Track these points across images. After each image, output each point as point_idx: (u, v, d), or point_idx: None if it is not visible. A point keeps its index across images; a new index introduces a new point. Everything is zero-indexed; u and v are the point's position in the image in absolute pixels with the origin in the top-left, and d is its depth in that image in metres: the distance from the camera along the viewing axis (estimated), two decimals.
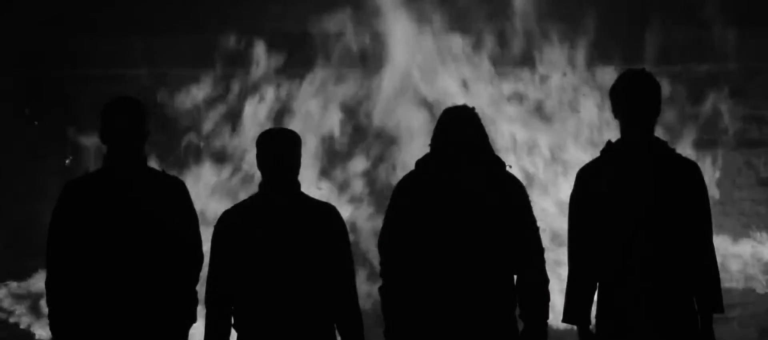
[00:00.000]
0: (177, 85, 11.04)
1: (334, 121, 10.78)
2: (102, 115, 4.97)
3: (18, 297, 10.42)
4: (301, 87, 10.82)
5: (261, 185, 4.92)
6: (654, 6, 10.94)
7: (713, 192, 10.95)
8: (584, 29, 10.86)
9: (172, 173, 5.23)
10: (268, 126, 9.35)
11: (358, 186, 10.57)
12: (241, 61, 10.85)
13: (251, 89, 10.88)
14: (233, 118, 10.89)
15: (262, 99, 10.85)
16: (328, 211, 4.94)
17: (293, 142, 4.93)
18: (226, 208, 5.02)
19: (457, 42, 10.74)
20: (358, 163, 10.69)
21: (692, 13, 10.93)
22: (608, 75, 10.57)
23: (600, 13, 10.82)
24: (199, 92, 10.95)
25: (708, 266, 4.88)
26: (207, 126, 10.93)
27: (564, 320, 4.98)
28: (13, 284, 10.58)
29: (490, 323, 4.85)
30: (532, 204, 4.98)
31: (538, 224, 4.98)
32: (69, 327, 4.88)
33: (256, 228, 4.83)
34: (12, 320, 10.03)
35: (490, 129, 5.05)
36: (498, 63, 10.90)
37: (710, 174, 11.07)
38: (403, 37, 10.55)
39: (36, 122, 11.24)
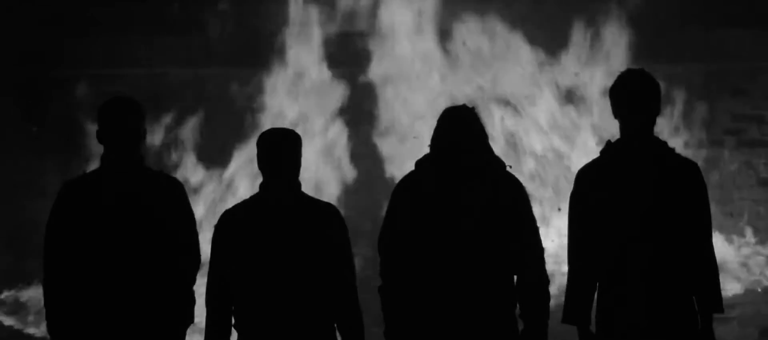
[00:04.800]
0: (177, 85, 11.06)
1: None
2: (99, 115, 4.96)
3: (17, 298, 10.43)
4: None
5: (261, 185, 4.92)
6: (654, 6, 10.94)
7: (713, 192, 10.96)
8: (579, 29, 10.88)
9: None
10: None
11: None
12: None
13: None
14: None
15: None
16: (328, 211, 4.94)
17: (294, 141, 4.93)
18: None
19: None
20: None
21: (693, 13, 10.95)
22: (603, 76, 10.61)
23: (596, 14, 10.84)
24: None
25: (708, 266, 4.88)
26: None
27: (564, 321, 4.98)
28: (12, 285, 10.59)
29: (490, 323, 4.84)
30: (531, 204, 4.98)
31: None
32: (66, 328, 4.87)
33: (257, 228, 4.83)
34: (11, 320, 10.03)
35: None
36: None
37: (710, 174, 11.07)
38: None
39: (35, 129, 11.23)
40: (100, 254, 4.84)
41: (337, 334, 4.95)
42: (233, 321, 4.89)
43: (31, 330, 9.81)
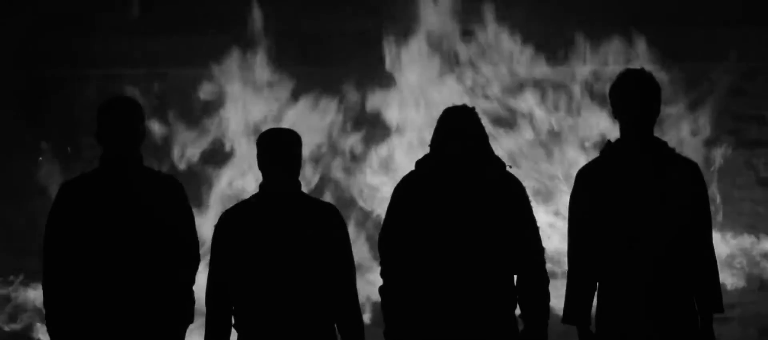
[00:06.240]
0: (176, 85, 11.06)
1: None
2: (98, 115, 4.96)
3: (17, 298, 10.42)
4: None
5: (261, 185, 4.92)
6: (654, 6, 10.95)
7: (713, 192, 10.96)
8: (578, 29, 10.89)
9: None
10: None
11: None
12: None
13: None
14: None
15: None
16: (328, 210, 4.94)
17: (293, 141, 4.93)
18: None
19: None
20: None
21: (692, 12, 10.94)
22: (605, 75, 10.62)
23: (595, 13, 10.84)
24: None
25: (708, 266, 4.88)
26: None
27: (564, 321, 4.98)
28: (12, 285, 10.58)
29: (490, 323, 4.84)
30: (531, 204, 4.98)
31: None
32: (66, 328, 4.87)
33: (257, 228, 4.83)
34: (10, 321, 10.02)
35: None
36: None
37: (710, 174, 11.07)
38: None
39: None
40: (99, 254, 4.83)
41: (337, 334, 4.95)
42: (233, 321, 4.90)
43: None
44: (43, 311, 4.94)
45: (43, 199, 9.74)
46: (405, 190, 4.97)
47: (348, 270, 4.92)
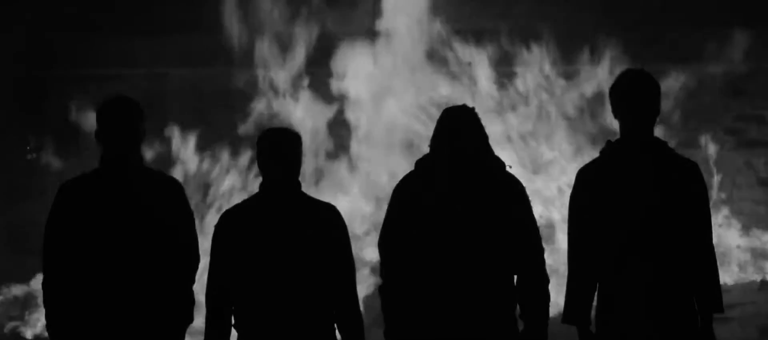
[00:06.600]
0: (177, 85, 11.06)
1: None
2: (98, 115, 4.96)
3: (16, 298, 10.42)
4: None
5: (262, 185, 4.92)
6: (653, 6, 10.95)
7: (713, 192, 10.96)
8: (582, 29, 10.88)
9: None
10: None
11: None
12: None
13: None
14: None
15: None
16: (328, 211, 4.94)
17: (294, 141, 4.93)
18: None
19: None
20: None
21: (692, 13, 10.95)
22: (604, 75, 10.63)
23: (598, 13, 10.84)
24: None
25: (708, 266, 4.88)
26: None
27: (564, 321, 4.98)
28: (12, 285, 10.59)
29: (490, 323, 4.85)
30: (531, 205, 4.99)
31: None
32: (66, 328, 4.87)
33: (257, 228, 4.83)
34: (10, 320, 10.03)
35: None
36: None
37: (710, 174, 11.07)
38: None
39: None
40: (99, 254, 4.83)
41: (337, 334, 4.95)
42: (233, 321, 4.90)
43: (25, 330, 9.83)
44: (44, 310, 4.95)
45: (43, 199, 9.74)
46: (405, 189, 4.97)
47: (348, 270, 4.92)
